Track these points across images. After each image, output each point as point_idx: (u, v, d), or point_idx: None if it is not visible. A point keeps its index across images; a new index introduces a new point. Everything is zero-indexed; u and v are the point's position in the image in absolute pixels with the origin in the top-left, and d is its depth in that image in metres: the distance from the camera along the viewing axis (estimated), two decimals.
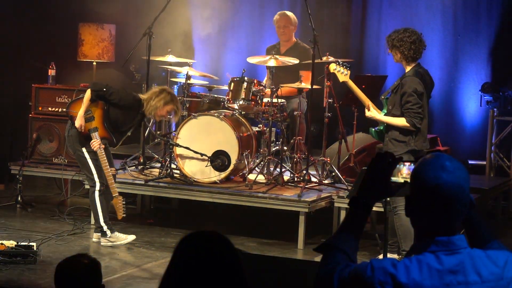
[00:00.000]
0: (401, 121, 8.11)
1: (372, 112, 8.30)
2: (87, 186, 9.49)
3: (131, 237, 9.32)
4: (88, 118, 9.02)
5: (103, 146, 9.04)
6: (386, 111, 8.29)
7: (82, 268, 4.22)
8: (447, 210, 3.08)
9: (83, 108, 8.98)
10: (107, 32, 11.92)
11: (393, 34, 8.25)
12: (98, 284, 4.25)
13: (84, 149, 9.13)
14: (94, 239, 9.31)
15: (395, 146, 8.15)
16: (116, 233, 9.23)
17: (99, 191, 9.18)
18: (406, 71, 8.27)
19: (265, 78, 10.91)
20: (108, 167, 9.05)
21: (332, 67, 8.58)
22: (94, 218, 9.33)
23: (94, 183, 9.18)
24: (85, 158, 9.17)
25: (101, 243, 9.18)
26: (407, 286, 3.01)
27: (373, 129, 8.60)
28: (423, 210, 3.11)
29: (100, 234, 9.19)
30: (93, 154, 9.11)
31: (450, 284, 3.02)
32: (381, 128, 8.35)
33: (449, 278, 3.03)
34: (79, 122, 8.97)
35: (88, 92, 8.97)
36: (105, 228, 9.15)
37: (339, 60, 8.75)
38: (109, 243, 9.16)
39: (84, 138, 9.10)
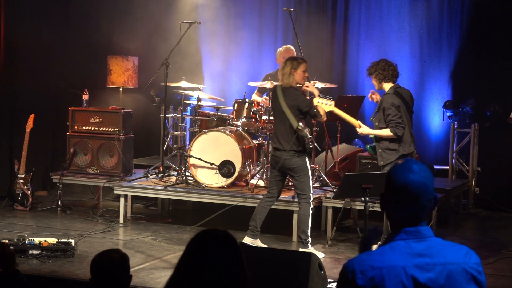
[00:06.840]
0: (386, 132, 8.10)
1: (363, 128, 8.24)
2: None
3: None
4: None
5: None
6: (374, 128, 8.26)
7: (114, 261, 4.20)
8: (414, 205, 3.06)
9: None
10: (131, 63, 11.91)
11: (371, 66, 8.28)
12: (126, 275, 4.23)
13: None
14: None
15: (388, 154, 8.14)
16: None
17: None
18: (386, 91, 8.29)
19: (261, 99, 10.81)
20: None
21: (316, 100, 8.37)
22: None
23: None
24: None
25: None
26: (382, 268, 2.99)
27: (369, 146, 8.61)
28: (394, 205, 3.09)
29: None
30: None
31: (419, 265, 3.00)
32: (374, 144, 8.34)
33: (418, 259, 3.00)
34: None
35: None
36: None
37: (321, 94, 8.56)
38: None
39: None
